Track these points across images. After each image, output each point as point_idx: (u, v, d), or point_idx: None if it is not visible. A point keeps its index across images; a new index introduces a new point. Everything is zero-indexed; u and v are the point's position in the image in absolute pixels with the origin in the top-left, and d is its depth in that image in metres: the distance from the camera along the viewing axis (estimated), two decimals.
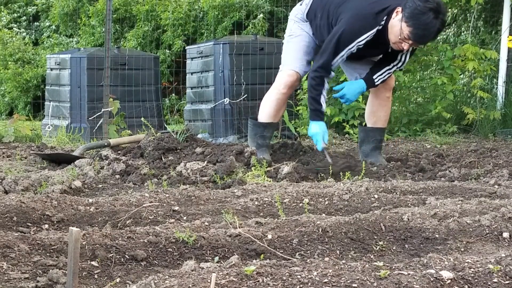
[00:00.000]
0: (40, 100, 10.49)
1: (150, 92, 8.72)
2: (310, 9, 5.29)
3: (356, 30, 4.91)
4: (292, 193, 3.68)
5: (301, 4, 5.41)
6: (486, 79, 8.90)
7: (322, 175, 4.81)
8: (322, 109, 5.09)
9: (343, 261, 2.15)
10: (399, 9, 4.84)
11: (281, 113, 5.49)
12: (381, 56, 5.24)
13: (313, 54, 5.39)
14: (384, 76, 5.19)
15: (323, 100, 5.06)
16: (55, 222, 3.15)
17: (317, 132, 5.05)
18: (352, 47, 4.94)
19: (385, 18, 4.90)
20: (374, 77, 5.16)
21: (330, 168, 4.81)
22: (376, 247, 2.82)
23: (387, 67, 5.18)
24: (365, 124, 5.59)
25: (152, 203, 3.45)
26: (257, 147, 5.30)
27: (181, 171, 4.62)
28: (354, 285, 1.96)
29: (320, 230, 2.86)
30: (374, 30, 4.90)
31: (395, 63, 5.18)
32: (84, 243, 2.55)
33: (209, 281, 1.94)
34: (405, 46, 4.91)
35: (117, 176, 4.70)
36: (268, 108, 5.41)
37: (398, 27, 4.84)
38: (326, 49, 5.01)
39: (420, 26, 4.79)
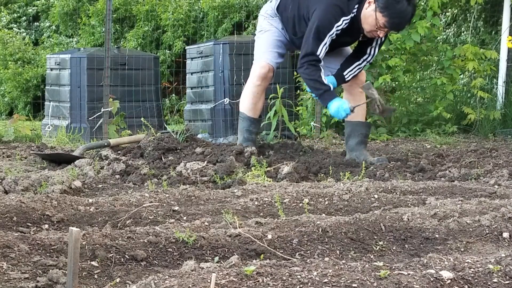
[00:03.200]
0: (40, 100, 10.50)
1: (150, 92, 8.72)
2: (280, 3, 5.44)
3: (333, 16, 5.04)
4: (292, 193, 3.68)
5: (270, 1, 5.55)
6: (486, 79, 8.91)
7: (323, 174, 4.82)
8: (330, 88, 5.09)
9: (343, 261, 2.15)
10: None
11: (259, 106, 5.57)
12: (350, 52, 5.40)
13: (285, 48, 5.58)
14: (355, 72, 5.31)
15: (324, 79, 5.08)
16: (55, 222, 3.15)
17: (337, 109, 5.03)
18: (332, 34, 5.04)
19: (356, 6, 5.04)
20: (345, 73, 5.29)
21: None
22: (376, 247, 2.82)
23: (357, 62, 5.31)
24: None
25: (152, 203, 3.45)
26: (243, 140, 5.49)
27: (181, 171, 4.62)
28: (354, 285, 1.96)
29: (320, 230, 2.86)
30: (348, 17, 5.04)
31: (364, 57, 5.32)
32: (84, 243, 2.55)
33: (209, 281, 1.94)
34: (381, 34, 5.10)
35: (117, 176, 4.70)
36: (246, 102, 5.57)
37: (372, 17, 4.99)
38: (307, 38, 5.10)
39: (396, 15, 4.95)
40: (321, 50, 5.07)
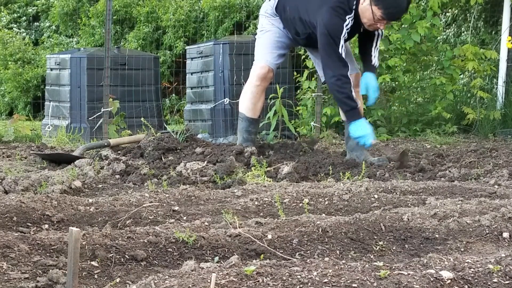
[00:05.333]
0: (40, 100, 10.50)
1: (150, 92, 8.72)
2: (278, 3, 5.43)
3: (339, 18, 5.03)
4: (292, 193, 3.68)
5: (269, 0, 5.53)
6: (486, 79, 8.91)
7: (322, 175, 4.81)
8: (357, 106, 5.09)
9: (343, 261, 2.15)
10: None
11: (258, 106, 5.57)
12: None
13: (287, 47, 5.60)
14: (376, 53, 5.32)
15: (354, 96, 5.07)
16: (55, 222, 3.15)
17: (365, 134, 5.03)
18: (344, 34, 5.05)
19: (355, 2, 5.06)
20: (372, 61, 5.30)
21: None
22: (376, 247, 2.82)
23: (374, 45, 5.32)
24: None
25: (152, 203, 3.45)
26: (243, 141, 5.49)
27: (181, 171, 4.62)
28: (354, 285, 1.96)
29: (320, 230, 2.86)
30: (352, 14, 5.06)
31: (375, 38, 5.32)
32: (84, 243, 2.55)
33: (209, 281, 1.94)
34: (381, 26, 5.12)
35: (117, 176, 4.70)
36: (245, 102, 5.57)
37: (369, 11, 5.01)
38: (325, 51, 5.09)
39: (390, 5, 4.98)
40: (342, 53, 5.06)
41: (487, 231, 2.93)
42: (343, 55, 5.07)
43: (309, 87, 8.08)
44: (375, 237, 2.87)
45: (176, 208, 3.41)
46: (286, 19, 5.39)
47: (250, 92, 5.53)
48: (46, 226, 3.10)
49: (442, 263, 2.16)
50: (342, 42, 5.04)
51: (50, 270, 2.33)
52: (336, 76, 5.03)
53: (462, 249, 2.81)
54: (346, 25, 5.04)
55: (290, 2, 5.36)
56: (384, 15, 4.99)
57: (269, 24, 5.50)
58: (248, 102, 5.55)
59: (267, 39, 5.49)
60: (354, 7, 5.05)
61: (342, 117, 5.63)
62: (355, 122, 5.06)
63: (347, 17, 5.04)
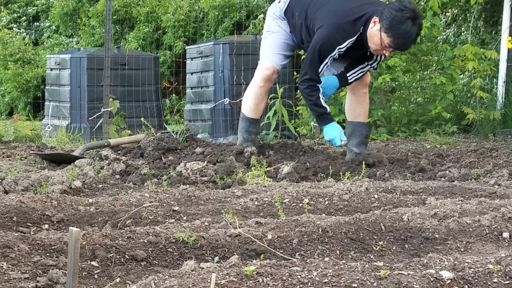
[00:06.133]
0: (40, 100, 10.50)
1: (150, 92, 8.72)
2: (288, 7, 5.39)
3: (335, 40, 5.03)
4: (292, 193, 3.68)
5: (279, 2, 5.50)
6: (486, 79, 8.90)
7: (322, 175, 4.81)
8: (327, 111, 5.19)
9: (343, 261, 2.15)
10: (376, 19, 4.96)
11: (261, 107, 5.57)
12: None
13: (292, 50, 5.59)
14: (358, 75, 5.30)
15: (323, 102, 5.16)
16: (55, 222, 3.15)
17: (334, 137, 5.17)
18: (334, 54, 5.05)
19: (363, 25, 5.01)
20: (348, 75, 5.27)
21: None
22: (376, 247, 2.82)
23: (361, 66, 5.30)
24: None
25: (152, 203, 3.45)
26: (243, 141, 5.48)
27: (181, 171, 4.62)
28: (354, 285, 1.96)
29: (320, 230, 2.85)
30: (354, 38, 5.02)
31: (370, 62, 5.31)
32: (84, 243, 2.54)
33: (209, 281, 1.94)
34: (386, 53, 5.08)
35: (117, 176, 4.70)
36: (248, 102, 5.55)
37: (377, 36, 4.95)
38: (308, 58, 5.12)
39: (400, 36, 4.91)
40: (322, 69, 5.10)
41: (487, 231, 2.93)
42: (324, 70, 5.11)
43: None
44: (375, 237, 2.87)
45: (176, 208, 3.41)
46: (294, 25, 5.37)
47: (254, 93, 5.51)
48: (46, 226, 3.10)
49: (442, 263, 2.16)
50: (327, 60, 5.05)
51: (50, 270, 2.33)
52: (307, 83, 5.10)
53: (462, 249, 2.81)
54: (340, 48, 5.02)
55: (299, 8, 5.32)
56: (392, 43, 4.94)
57: (276, 25, 5.46)
58: (250, 102, 5.54)
59: (274, 40, 5.46)
60: (361, 29, 5.00)
61: (347, 117, 5.63)
62: (326, 126, 5.20)
63: (347, 40, 5.01)
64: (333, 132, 5.17)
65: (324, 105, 5.15)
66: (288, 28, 5.43)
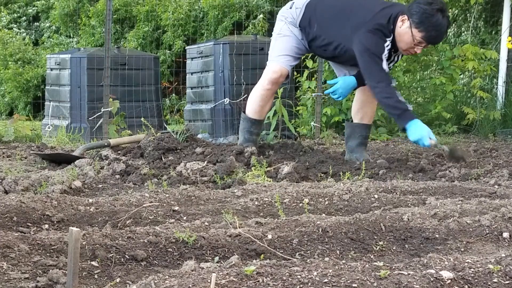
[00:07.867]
0: (40, 100, 10.50)
1: (150, 92, 8.72)
2: (303, 17, 5.31)
3: (379, 39, 4.96)
4: (292, 193, 3.68)
5: (290, 7, 5.42)
6: (486, 79, 8.91)
7: (322, 174, 4.81)
8: (408, 107, 4.97)
9: (343, 261, 2.15)
10: (404, 17, 4.92)
11: (266, 109, 5.54)
12: None
13: (301, 55, 5.57)
14: None
15: (402, 98, 4.99)
16: (55, 222, 3.15)
17: (422, 136, 4.85)
18: (386, 54, 4.98)
19: (392, 27, 4.99)
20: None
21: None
22: (376, 247, 2.82)
23: None
24: (352, 120, 5.65)
25: (152, 203, 3.45)
26: (244, 141, 5.45)
27: (181, 171, 4.62)
28: (354, 285, 1.96)
29: (320, 230, 2.86)
30: (391, 37, 4.99)
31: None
32: (84, 243, 2.54)
33: (209, 281, 1.94)
34: (418, 50, 5.04)
35: (117, 176, 4.70)
36: (253, 104, 5.50)
37: (408, 34, 4.92)
38: (368, 68, 4.99)
39: (432, 28, 4.90)
40: (386, 69, 5.00)
41: (487, 231, 2.93)
42: (387, 67, 5.01)
43: (309, 87, 8.08)
44: (375, 237, 2.87)
45: (176, 208, 3.41)
46: (308, 34, 5.30)
47: (260, 95, 5.45)
48: (46, 226, 3.10)
49: (442, 263, 2.16)
50: (384, 60, 4.96)
51: (50, 270, 2.33)
52: (382, 83, 4.95)
53: (462, 249, 2.81)
54: (387, 45, 4.97)
55: (317, 20, 5.24)
56: (425, 38, 4.91)
57: (288, 30, 5.38)
58: (255, 104, 5.48)
59: (285, 43, 5.39)
60: (392, 31, 4.99)
61: (353, 116, 5.59)
62: (409, 125, 4.88)
63: (387, 39, 4.97)
64: (421, 131, 4.86)
65: (404, 100, 4.99)
66: (300, 36, 5.35)
